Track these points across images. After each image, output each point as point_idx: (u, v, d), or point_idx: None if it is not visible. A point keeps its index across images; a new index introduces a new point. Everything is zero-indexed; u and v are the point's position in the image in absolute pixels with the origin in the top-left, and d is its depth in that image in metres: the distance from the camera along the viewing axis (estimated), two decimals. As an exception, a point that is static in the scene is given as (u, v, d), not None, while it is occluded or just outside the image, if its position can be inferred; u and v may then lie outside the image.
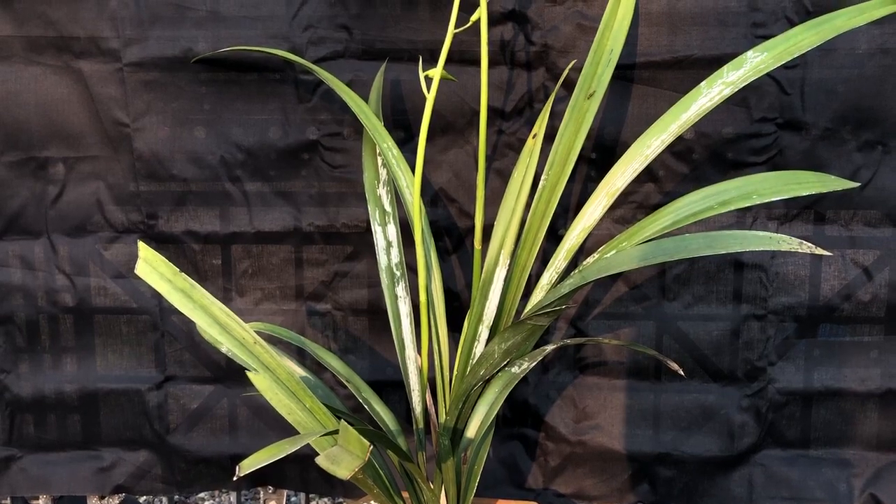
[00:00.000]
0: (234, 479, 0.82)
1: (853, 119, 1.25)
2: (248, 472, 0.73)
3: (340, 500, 1.52)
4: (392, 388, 1.35)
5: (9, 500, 1.47)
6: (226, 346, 0.92)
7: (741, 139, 1.26)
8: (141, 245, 0.92)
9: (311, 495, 1.53)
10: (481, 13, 0.99)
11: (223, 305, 0.92)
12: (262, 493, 1.52)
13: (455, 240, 1.33)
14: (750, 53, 0.99)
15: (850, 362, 1.32)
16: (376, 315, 1.35)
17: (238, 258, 1.35)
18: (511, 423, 1.38)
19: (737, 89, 0.97)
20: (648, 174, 1.28)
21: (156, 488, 1.43)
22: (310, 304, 1.36)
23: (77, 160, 1.33)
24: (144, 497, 1.56)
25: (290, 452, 0.77)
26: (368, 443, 0.72)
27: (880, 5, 1.01)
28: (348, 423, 0.96)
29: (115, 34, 1.28)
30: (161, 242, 1.34)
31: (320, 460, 0.74)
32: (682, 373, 1.06)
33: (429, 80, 1.01)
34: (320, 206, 1.33)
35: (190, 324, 1.35)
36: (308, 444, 0.85)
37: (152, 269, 0.91)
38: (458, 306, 1.33)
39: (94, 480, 1.42)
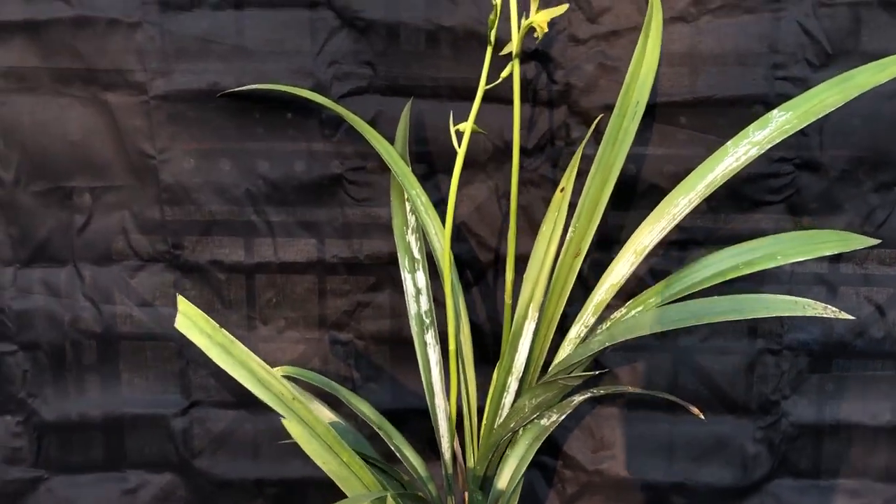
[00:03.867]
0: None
1: (869, 161, 1.27)
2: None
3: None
4: (413, 415, 1.37)
5: (36, 520, 1.51)
6: (264, 399, 0.95)
7: (760, 178, 1.28)
8: (180, 299, 0.94)
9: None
10: (514, 68, 1.01)
11: (261, 361, 0.94)
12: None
13: (476, 272, 1.35)
14: (775, 112, 1.01)
15: (862, 397, 1.35)
16: (398, 345, 1.37)
17: (262, 288, 1.38)
18: (529, 450, 1.41)
19: (763, 150, 0.99)
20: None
21: (180, 510, 1.46)
22: (332, 332, 1.39)
23: (103, 190, 1.35)
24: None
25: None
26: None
27: (901, 62, 1.03)
28: (380, 469, 0.99)
29: (142, 67, 1.29)
30: (186, 272, 1.37)
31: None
32: (702, 417, 1.09)
33: (459, 134, 1.02)
34: (344, 238, 1.35)
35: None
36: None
37: (192, 323, 0.94)
38: (480, 338, 1.35)
39: (119, 502, 1.45)
